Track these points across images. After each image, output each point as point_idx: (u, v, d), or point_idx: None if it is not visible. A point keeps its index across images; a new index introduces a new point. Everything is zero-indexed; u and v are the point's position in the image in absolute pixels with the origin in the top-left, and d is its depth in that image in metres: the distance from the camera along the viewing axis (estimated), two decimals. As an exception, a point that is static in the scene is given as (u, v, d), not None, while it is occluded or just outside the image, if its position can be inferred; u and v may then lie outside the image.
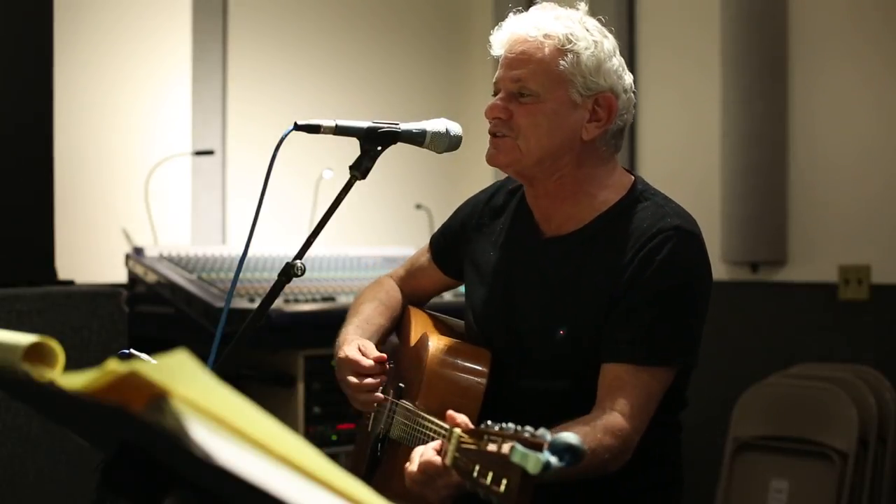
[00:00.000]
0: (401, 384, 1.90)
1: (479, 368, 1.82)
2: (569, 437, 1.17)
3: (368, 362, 1.83)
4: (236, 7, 4.04)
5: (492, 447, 1.28)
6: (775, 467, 3.31)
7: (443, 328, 2.03)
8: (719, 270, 2.05)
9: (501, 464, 1.24)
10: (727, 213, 3.65)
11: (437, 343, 1.85)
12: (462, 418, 1.45)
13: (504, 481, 1.22)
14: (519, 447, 1.18)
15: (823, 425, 3.22)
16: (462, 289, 2.07)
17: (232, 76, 4.03)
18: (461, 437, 1.37)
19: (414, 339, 1.96)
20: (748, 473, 3.35)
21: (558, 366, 1.79)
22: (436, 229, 2.15)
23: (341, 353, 1.87)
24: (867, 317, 3.43)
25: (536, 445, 1.18)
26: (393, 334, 2.08)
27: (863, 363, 3.37)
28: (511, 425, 1.27)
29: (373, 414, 1.95)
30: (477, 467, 1.29)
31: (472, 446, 1.33)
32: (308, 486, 0.75)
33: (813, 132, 3.58)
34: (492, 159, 1.82)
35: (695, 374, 1.83)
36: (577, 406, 1.73)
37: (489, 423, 1.32)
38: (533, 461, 1.16)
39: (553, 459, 1.16)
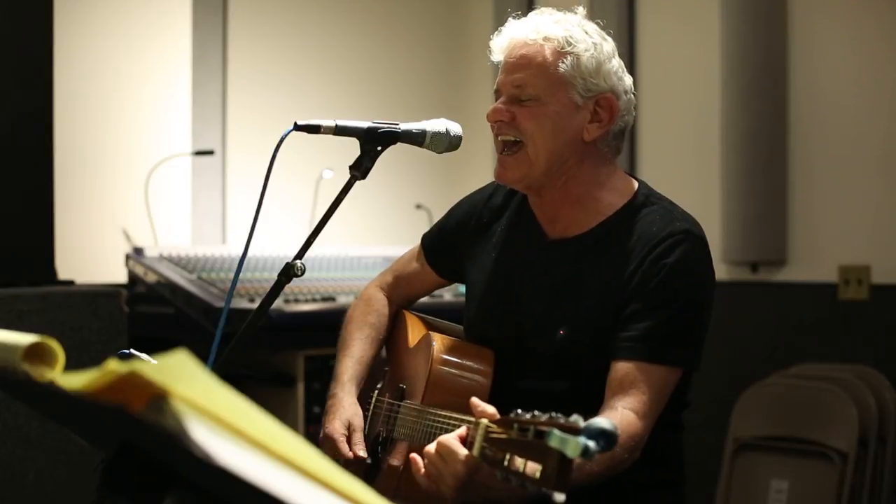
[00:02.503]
0: (401, 385, 1.89)
1: (483, 368, 1.82)
2: (602, 421, 1.17)
3: (349, 456, 1.83)
4: (236, 7, 4.04)
5: (522, 435, 1.28)
6: (775, 467, 3.30)
7: (440, 330, 2.02)
8: (719, 270, 2.05)
9: (535, 450, 1.23)
10: (727, 213, 3.65)
11: (440, 343, 1.84)
12: (489, 409, 1.43)
13: (539, 467, 1.21)
14: (556, 432, 1.18)
15: (823, 425, 3.21)
16: (462, 288, 2.06)
17: (232, 76, 4.03)
18: (489, 426, 1.36)
19: (413, 340, 1.96)
20: (748, 473, 3.35)
21: (558, 366, 1.79)
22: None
23: (331, 426, 1.86)
24: (867, 317, 3.43)
25: (572, 430, 1.18)
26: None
27: (863, 363, 3.36)
28: (539, 413, 1.26)
29: (368, 417, 1.95)
30: (507, 456, 1.28)
31: (502, 435, 1.32)
32: (308, 486, 0.75)
33: (813, 132, 3.57)
34: (501, 177, 1.82)
35: (695, 375, 1.84)
36: (577, 407, 1.72)
37: (519, 411, 1.31)
38: (573, 445, 1.15)
39: (591, 444, 1.15)
